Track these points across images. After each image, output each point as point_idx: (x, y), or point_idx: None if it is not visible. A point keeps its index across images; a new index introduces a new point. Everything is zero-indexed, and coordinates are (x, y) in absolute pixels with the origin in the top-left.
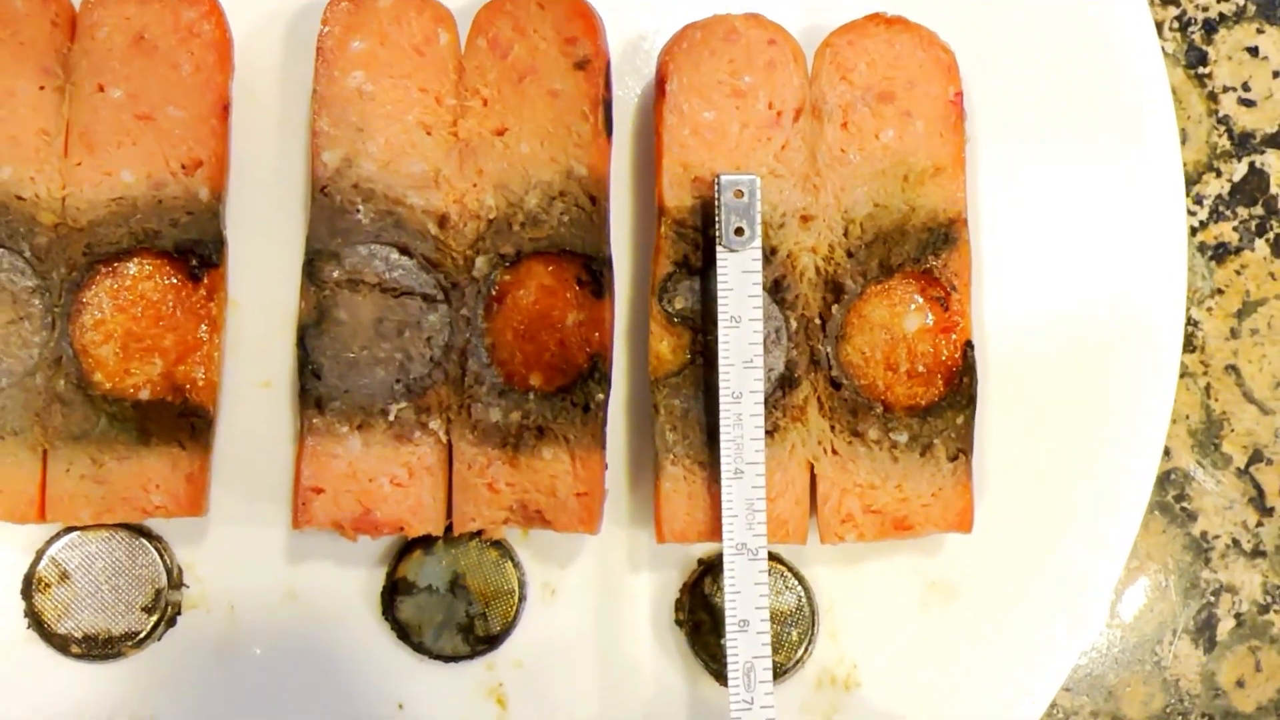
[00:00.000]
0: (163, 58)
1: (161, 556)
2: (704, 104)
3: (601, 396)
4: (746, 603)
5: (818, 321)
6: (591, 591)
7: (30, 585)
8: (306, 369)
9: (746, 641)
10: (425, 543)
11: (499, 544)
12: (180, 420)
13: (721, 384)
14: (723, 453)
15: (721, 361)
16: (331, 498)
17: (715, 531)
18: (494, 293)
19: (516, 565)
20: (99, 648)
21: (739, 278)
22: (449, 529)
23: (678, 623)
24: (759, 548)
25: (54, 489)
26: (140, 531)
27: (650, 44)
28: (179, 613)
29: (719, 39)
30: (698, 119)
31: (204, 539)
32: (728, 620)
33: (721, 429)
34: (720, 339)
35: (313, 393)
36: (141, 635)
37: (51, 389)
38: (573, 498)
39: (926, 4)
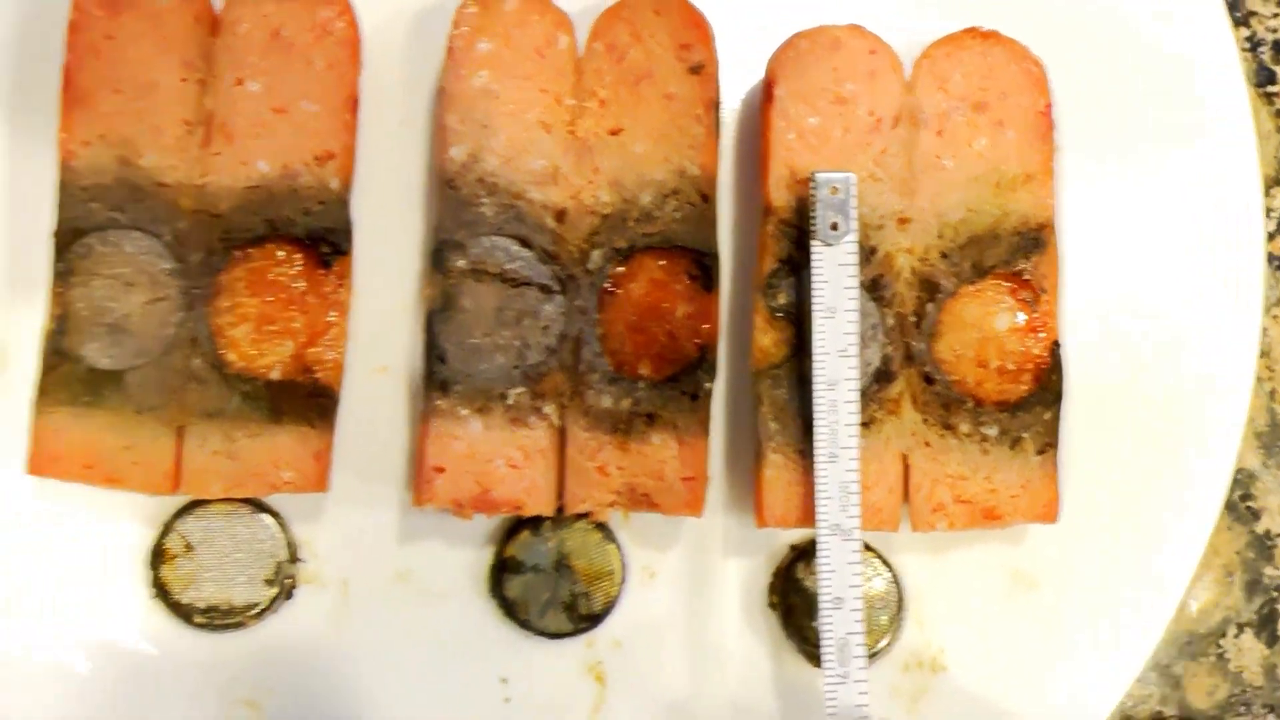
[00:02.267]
0: (298, 54)
1: (281, 531)
2: (809, 110)
3: (709, 385)
4: (840, 581)
5: (913, 319)
6: (688, 574)
7: (157, 556)
8: (433, 353)
9: (841, 618)
10: (532, 523)
11: (602, 526)
12: (309, 400)
13: (816, 372)
14: (817, 438)
15: (817, 351)
16: (452, 477)
17: (812, 517)
18: (607, 285)
19: (618, 547)
20: (221, 617)
21: (834, 271)
22: (558, 511)
23: (771, 605)
24: (852, 529)
25: (188, 463)
26: (260, 507)
27: (749, 50)
28: (295, 586)
29: (824, 48)
30: (803, 124)
31: (319, 516)
32: (821, 598)
33: (816, 415)
34: (815, 329)
35: (438, 376)
36: (261, 607)
37: (188, 368)
38: (679, 482)
39: (1018, 18)
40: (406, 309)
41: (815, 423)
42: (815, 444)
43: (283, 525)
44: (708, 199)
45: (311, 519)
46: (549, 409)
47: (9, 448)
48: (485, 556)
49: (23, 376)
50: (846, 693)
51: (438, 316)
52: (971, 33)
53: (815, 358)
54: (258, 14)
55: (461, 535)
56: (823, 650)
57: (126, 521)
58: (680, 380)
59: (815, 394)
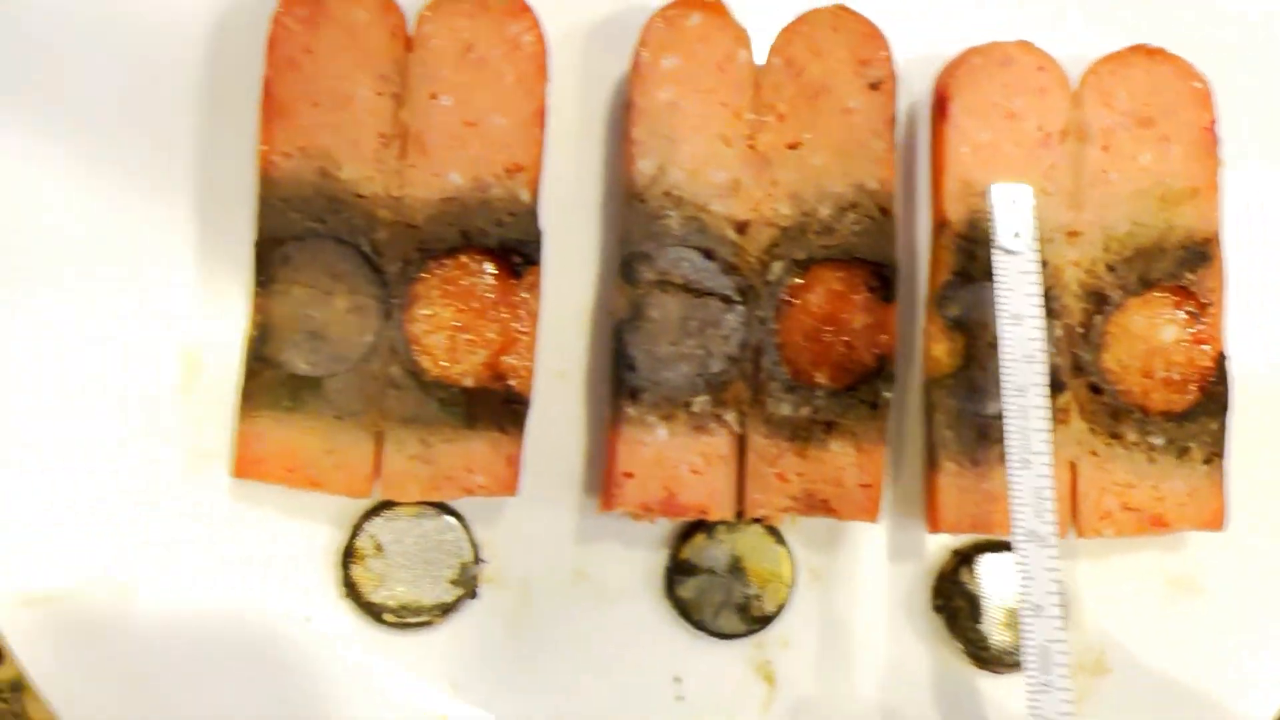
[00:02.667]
0: (489, 68)
1: (465, 532)
2: (981, 125)
3: (888, 395)
4: (1039, 588)
5: (1080, 330)
6: (852, 576)
7: (348, 556)
8: (622, 362)
9: (1040, 626)
10: (706, 527)
11: (773, 529)
12: (502, 406)
13: (1004, 379)
14: (1008, 444)
15: (1004, 358)
16: (640, 482)
17: (985, 524)
18: (785, 295)
19: (788, 550)
20: (410, 615)
21: (1017, 278)
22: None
23: (936, 609)
24: (1049, 534)
25: (387, 467)
26: (444, 508)
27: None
28: (479, 586)
29: (995, 64)
30: (976, 138)
31: (499, 518)
32: (1020, 605)
33: (1006, 421)
34: (1002, 336)
35: (627, 384)
36: (447, 606)
37: (386, 374)
38: (857, 488)
39: (1182, 34)
40: (582, 315)
41: (1006, 429)
42: (1007, 450)
43: (466, 526)
44: (886, 212)
45: (492, 520)
46: (730, 416)
47: (206, 451)
48: (660, 558)
49: (217, 382)
50: (1050, 701)
51: (627, 326)
52: (1137, 50)
53: (1003, 364)
54: (450, 29)
55: (637, 537)
56: (1024, 658)
57: (316, 522)
58: (859, 389)
59: (1005, 400)
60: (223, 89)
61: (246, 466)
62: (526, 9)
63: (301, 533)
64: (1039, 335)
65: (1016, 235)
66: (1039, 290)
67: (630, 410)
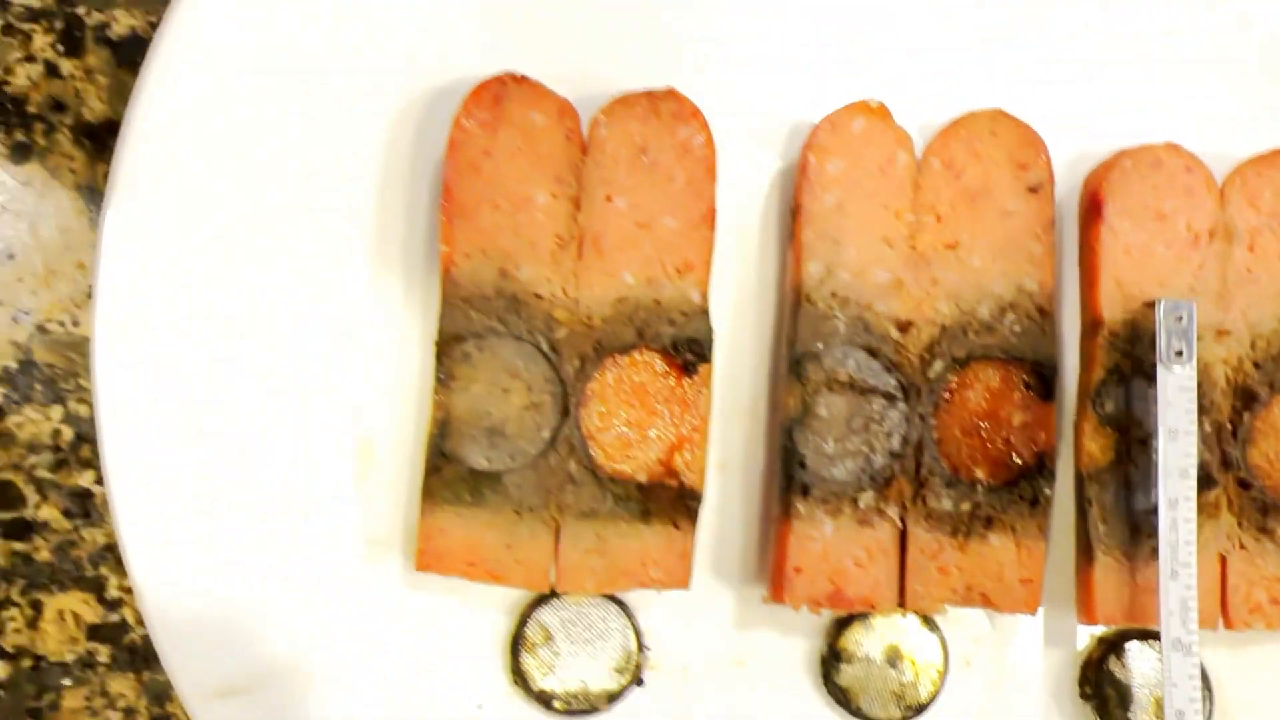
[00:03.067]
0: (661, 171)
1: (629, 620)
2: (1134, 227)
3: (1049, 492)
4: (1182, 696)
5: (1228, 427)
6: (1003, 663)
7: (518, 644)
8: (793, 459)
9: None
10: (863, 615)
11: (928, 618)
12: (676, 501)
13: (1161, 492)
14: (1161, 555)
15: (1160, 471)
16: (808, 577)
17: (1139, 615)
18: (945, 393)
19: (942, 638)
20: (578, 703)
21: (1176, 394)
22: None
23: (1084, 696)
24: (1191, 644)
25: (563, 561)
26: (610, 597)
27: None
28: (643, 673)
29: (1146, 166)
30: (1129, 240)
31: (660, 605)
32: (1166, 711)
33: (1160, 533)
34: (1160, 450)
35: (798, 480)
36: (614, 694)
37: (564, 470)
38: (1017, 583)
39: None
40: (740, 408)
41: (1160, 541)
42: (1160, 561)
43: (630, 614)
44: (1045, 313)
45: (653, 607)
46: (892, 510)
47: (379, 539)
48: (816, 645)
49: (390, 473)
50: None
51: (796, 425)
52: None
53: (1159, 478)
54: (624, 132)
55: (794, 625)
56: None
57: (485, 610)
58: (1019, 485)
59: (1160, 513)
60: (399, 187)
61: (429, 560)
62: (697, 112)
63: (471, 621)
64: (1193, 450)
65: (1179, 353)
66: (1195, 407)
67: (800, 506)
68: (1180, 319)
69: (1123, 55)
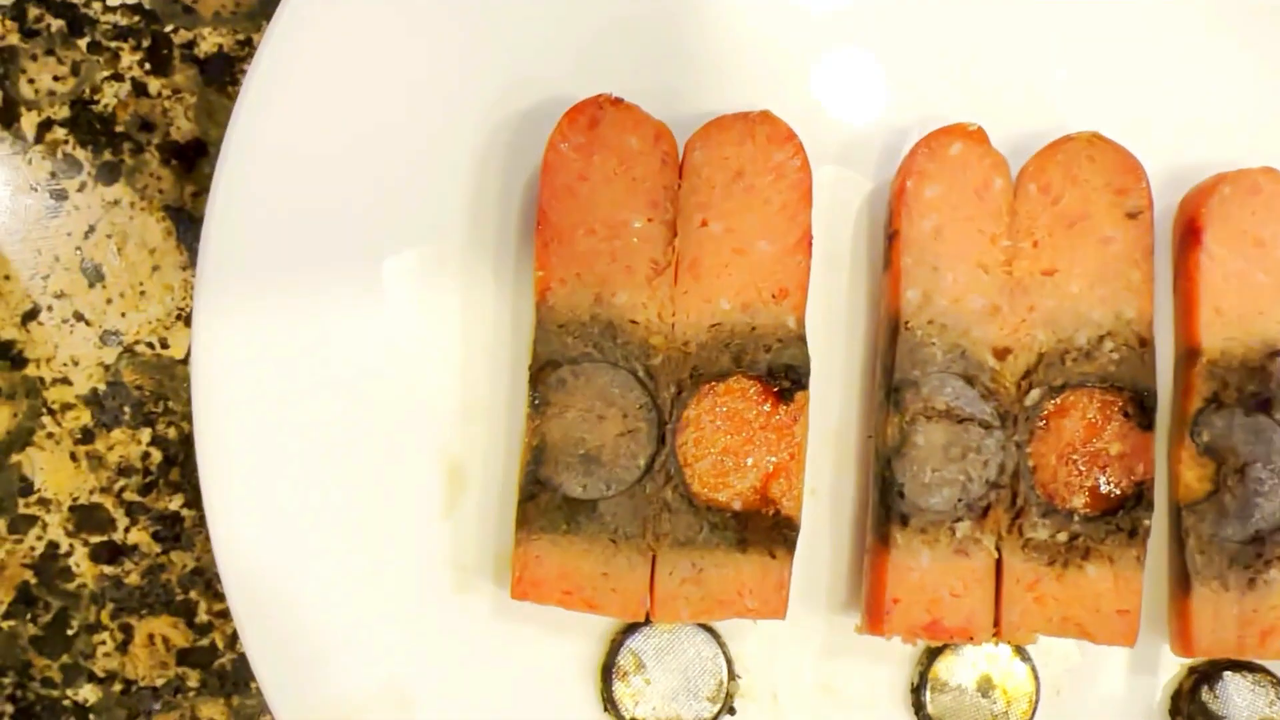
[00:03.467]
0: (756, 195)
1: (720, 648)
2: (1233, 253)
3: (1148, 523)
4: None
5: None
6: (1093, 693)
7: (609, 673)
8: (892, 489)
9: None
10: (955, 644)
11: (1019, 647)
12: (773, 530)
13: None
14: None
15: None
16: (905, 607)
17: (1237, 648)
18: (1041, 421)
19: (1033, 667)
20: None
21: None
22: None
23: None
24: None
25: (659, 590)
26: (701, 625)
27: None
28: (734, 700)
29: (1244, 192)
30: (1228, 267)
31: (751, 633)
32: None
33: None
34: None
35: (896, 510)
36: None
37: (660, 498)
38: (1114, 614)
39: None
40: (831, 434)
41: None
42: None
43: (721, 643)
44: (1145, 342)
45: (743, 635)
46: (987, 540)
47: (469, 567)
48: (905, 674)
49: (479, 499)
50: None
51: (895, 454)
52: None
53: None
54: (719, 157)
55: (884, 653)
56: None
57: (576, 638)
58: (1117, 516)
59: None
60: (491, 211)
61: (525, 589)
62: (792, 135)
63: (562, 648)
64: None
65: None
66: None
67: (898, 536)
68: None
69: (1215, 75)
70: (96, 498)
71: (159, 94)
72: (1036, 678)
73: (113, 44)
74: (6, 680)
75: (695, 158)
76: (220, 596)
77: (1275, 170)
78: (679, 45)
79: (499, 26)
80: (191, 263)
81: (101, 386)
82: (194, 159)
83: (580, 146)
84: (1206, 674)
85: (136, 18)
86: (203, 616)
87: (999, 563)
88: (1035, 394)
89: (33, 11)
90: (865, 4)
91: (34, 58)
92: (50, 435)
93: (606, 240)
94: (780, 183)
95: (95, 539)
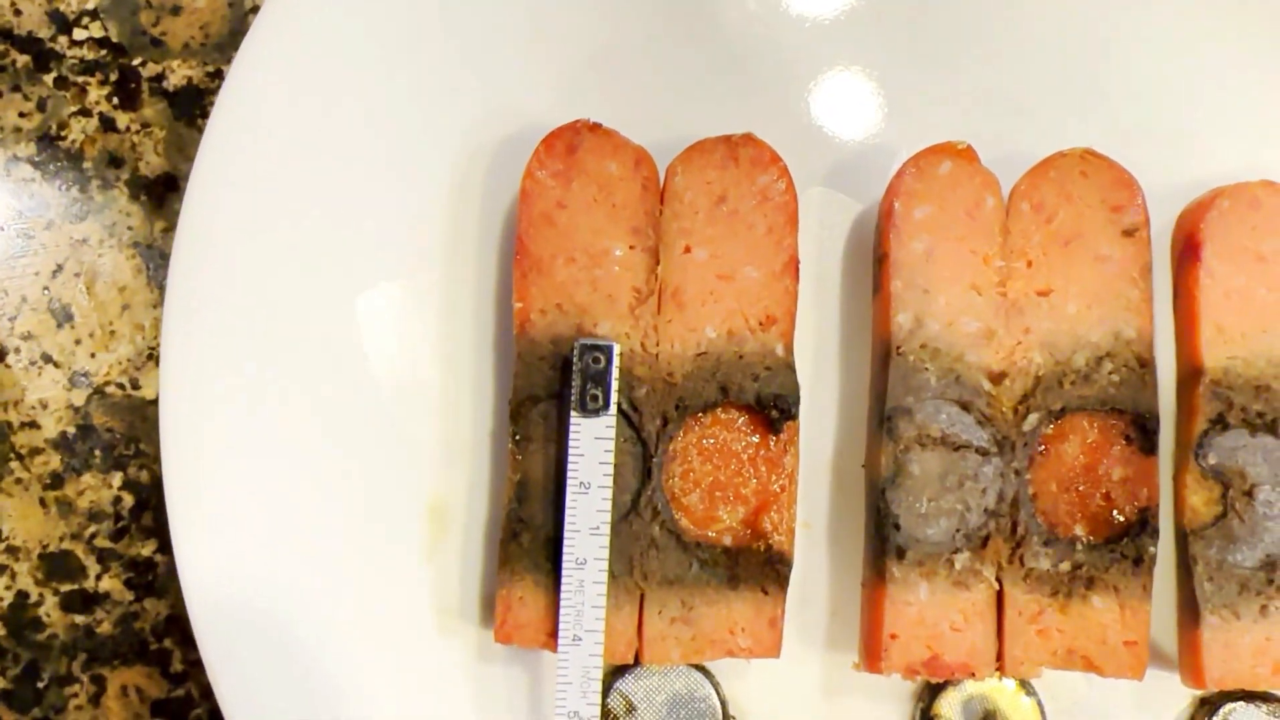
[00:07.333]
0: (740, 219)
1: (715, 689)
2: (1234, 270)
3: (1153, 550)
4: None
5: None
6: None
7: (601, 717)
8: (888, 521)
9: None
10: (957, 680)
11: (1024, 681)
12: (765, 566)
13: None
14: None
15: None
16: (904, 643)
17: (1249, 679)
18: (1040, 446)
19: (1038, 702)
20: None
21: None
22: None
23: None
24: None
25: (648, 630)
26: (694, 664)
27: None
28: None
29: (1244, 206)
30: (1229, 284)
31: (745, 671)
32: None
33: None
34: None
35: (892, 543)
36: None
37: (647, 534)
38: (1121, 645)
39: None
40: (824, 466)
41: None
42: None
43: (715, 683)
44: (1145, 363)
45: (738, 674)
46: (988, 571)
47: (450, 609)
48: (906, 711)
49: (460, 540)
50: None
51: (889, 485)
52: None
53: None
54: (702, 181)
55: (883, 691)
56: None
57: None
58: (1121, 543)
59: None
60: (468, 241)
61: (509, 632)
62: (777, 158)
63: (549, 692)
64: None
65: None
66: None
67: (895, 570)
68: None
69: (1210, 88)
70: (66, 544)
71: (127, 128)
72: (1043, 712)
73: (80, 78)
74: None
75: (677, 183)
76: (196, 645)
77: (1274, 184)
78: (659, 69)
79: (472, 52)
80: (162, 301)
81: (71, 429)
82: (164, 194)
83: (558, 173)
84: (1216, 705)
85: (104, 51)
86: (177, 665)
87: (1000, 594)
88: (1033, 419)
89: None
90: (849, 23)
91: None
92: (19, 481)
93: (587, 269)
94: (765, 206)
95: (66, 587)
